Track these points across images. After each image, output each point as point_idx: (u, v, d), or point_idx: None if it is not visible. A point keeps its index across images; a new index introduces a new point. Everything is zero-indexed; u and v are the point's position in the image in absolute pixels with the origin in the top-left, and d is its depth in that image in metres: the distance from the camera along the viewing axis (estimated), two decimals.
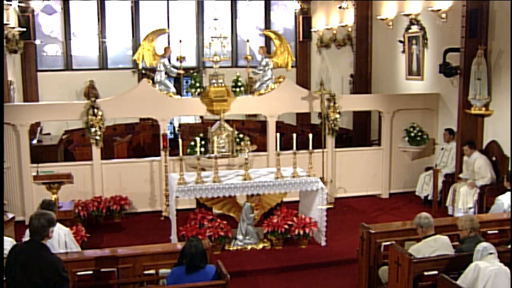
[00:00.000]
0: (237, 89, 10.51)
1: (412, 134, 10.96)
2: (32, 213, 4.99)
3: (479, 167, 9.21)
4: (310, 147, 8.44)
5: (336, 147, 10.94)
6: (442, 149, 10.49)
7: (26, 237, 5.41)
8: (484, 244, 5.33)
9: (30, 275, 4.47)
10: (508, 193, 7.64)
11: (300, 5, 17.50)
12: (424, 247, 5.87)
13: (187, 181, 8.09)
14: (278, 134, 8.64)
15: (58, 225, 6.26)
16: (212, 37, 9.63)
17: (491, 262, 5.17)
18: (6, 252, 4.99)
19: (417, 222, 6.02)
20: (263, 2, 18.87)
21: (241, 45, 18.31)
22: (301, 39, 18.02)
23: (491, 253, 5.23)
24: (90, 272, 5.85)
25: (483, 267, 5.08)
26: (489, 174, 9.16)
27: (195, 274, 5.22)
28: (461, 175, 9.71)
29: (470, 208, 9.10)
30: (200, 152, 8.46)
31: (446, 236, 6.12)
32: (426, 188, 10.41)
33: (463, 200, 9.22)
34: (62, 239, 6.19)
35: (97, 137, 9.64)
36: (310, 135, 8.52)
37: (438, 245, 5.85)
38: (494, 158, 9.36)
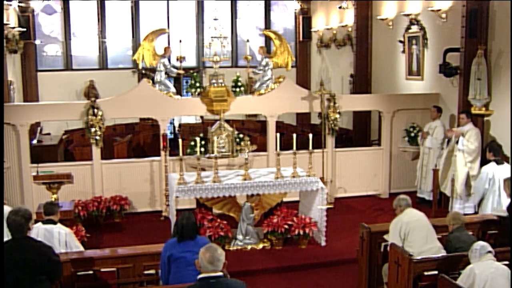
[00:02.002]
0: (237, 89, 10.50)
1: (412, 134, 10.96)
2: (34, 212, 4.98)
3: (470, 135, 9.09)
4: (310, 147, 8.44)
5: (336, 147, 10.94)
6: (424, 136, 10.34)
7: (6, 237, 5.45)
8: (481, 243, 5.33)
9: (27, 269, 4.50)
10: (493, 163, 7.70)
11: (300, 5, 17.50)
12: (402, 215, 6.29)
13: (187, 181, 8.09)
14: (278, 134, 8.64)
15: (59, 225, 6.29)
16: (212, 37, 9.64)
17: (488, 263, 5.12)
18: None
19: (396, 203, 6.52)
20: (263, 2, 18.88)
21: (241, 45, 18.32)
22: (301, 39, 18.02)
23: (489, 252, 5.21)
24: (90, 272, 5.85)
25: (478, 272, 5.03)
26: (477, 143, 9.01)
27: (186, 242, 5.44)
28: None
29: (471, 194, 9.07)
30: (200, 152, 8.46)
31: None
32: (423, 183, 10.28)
33: (461, 183, 9.13)
34: (62, 238, 6.20)
35: (97, 137, 9.64)
36: (310, 135, 8.52)
37: (413, 214, 6.27)
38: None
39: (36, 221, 6.57)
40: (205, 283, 3.88)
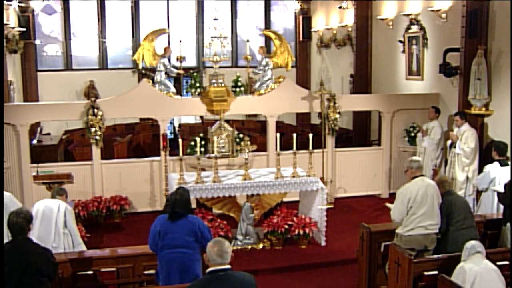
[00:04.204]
0: (237, 89, 10.50)
1: (412, 134, 10.96)
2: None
3: (466, 136, 9.09)
4: (310, 147, 8.44)
5: (336, 147, 10.94)
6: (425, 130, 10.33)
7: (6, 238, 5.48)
8: (472, 242, 5.40)
9: (29, 271, 4.55)
10: (496, 163, 7.69)
11: (300, 5, 17.51)
12: (412, 185, 6.20)
13: (187, 181, 8.08)
14: (278, 134, 8.64)
15: (59, 201, 6.38)
16: (212, 37, 9.64)
17: (477, 261, 5.20)
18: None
19: (407, 164, 6.39)
20: (263, 2, 18.88)
21: (241, 45, 18.31)
22: (301, 39, 18.02)
23: (478, 252, 5.28)
24: (90, 272, 5.86)
25: (467, 269, 5.13)
26: (473, 144, 9.02)
27: (179, 222, 5.41)
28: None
29: (469, 195, 9.05)
30: (200, 152, 8.46)
31: None
32: None
33: (459, 187, 9.14)
34: (62, 210, 6.34)
35: (97, 137, 9.64)
36: (310, 135, 8.52)
37: (425, 184, 6.17)
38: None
39: None
40: (214, 276, 3.93)
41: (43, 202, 6.46)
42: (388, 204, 6.75)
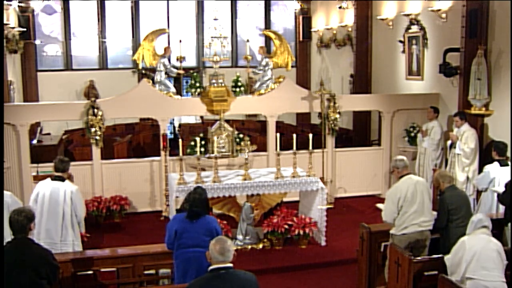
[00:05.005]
0: (237, 89, 10.50)
1: (412, 134, 10.96)
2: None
3: (466, 136, 9.09)
4: (310, 147, 8.44)
5: (336, 147, 10.95)
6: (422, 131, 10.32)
7: (7, 237, 5.51)
8: (479, 215, 5.41)
9: (26, 272, 4.53)
10: (496, 163, 7.70)
11: (300, 5, 17.51)
12: (401, 184, 6.27)
13: (187, 181, 8.08)
14: (278, 134, 8.64)
15: (67, 182, 6.44)
16: (212, 37, 9.65)
17: (481, 237, 5.20)
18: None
19: (393, 164, 6.47)
20: (263, 2, 18.88)
21: (241, 45, 18.31)
22: (301, 39, 18.02)
23: (484, 226, 5.28)
24: (90, 272, 5.86)
25: (468, 246, 5.15)
26: (473, 145, 9.01)
27: (196, 221, 5.45)
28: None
29: (469, 195, 9.04)
30: (200, 152, 8.46)
31: None
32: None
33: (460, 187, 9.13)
34: (68, 196, 6.33)
35: (97, 137, 9.64)
36: (310, 135, 8.52)
37: (414, 182, 6.24)
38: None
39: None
40: (215, 274, 3.95)
41: (47, 186, 6.36)
42: (379, 205, 6.76)
